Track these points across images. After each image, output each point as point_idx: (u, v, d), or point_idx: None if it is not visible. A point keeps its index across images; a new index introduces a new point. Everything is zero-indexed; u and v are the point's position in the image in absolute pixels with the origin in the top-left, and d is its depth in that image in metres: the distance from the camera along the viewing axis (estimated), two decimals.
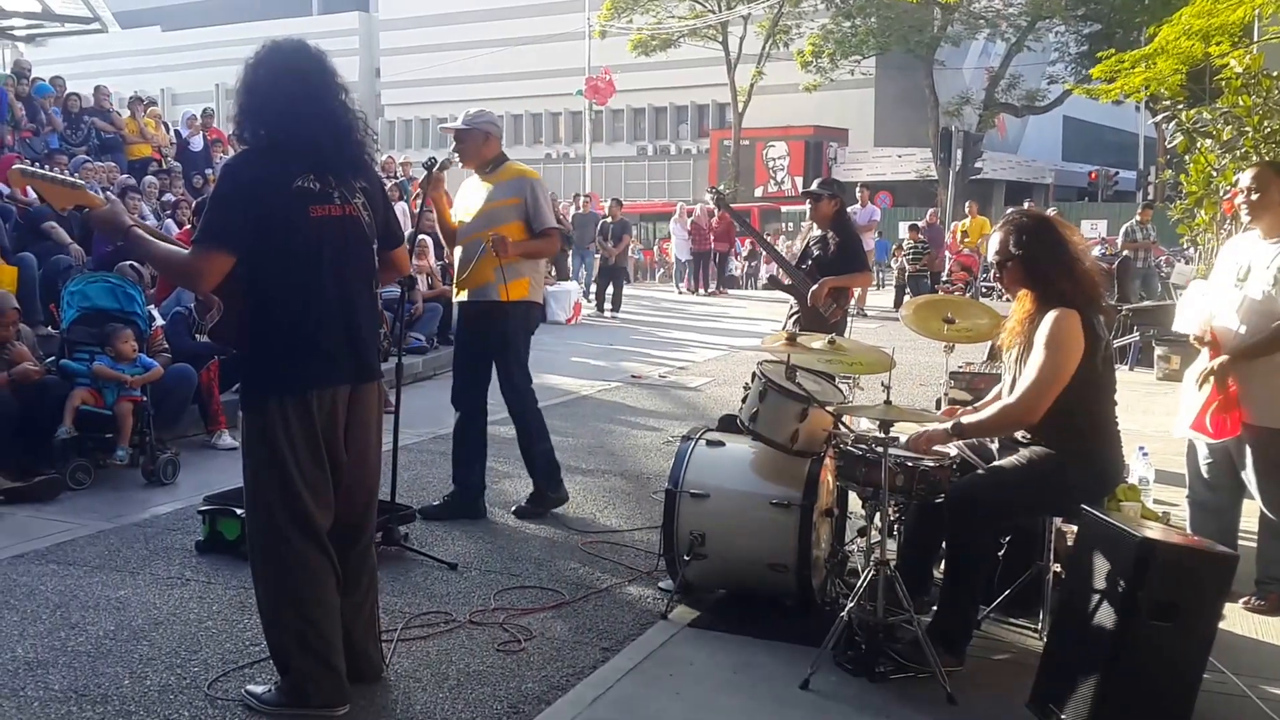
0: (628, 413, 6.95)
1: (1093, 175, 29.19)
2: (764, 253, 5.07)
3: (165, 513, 4.45)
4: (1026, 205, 19.18)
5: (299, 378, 2.47)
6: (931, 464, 2.93)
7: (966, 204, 16.89)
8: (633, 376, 8.32)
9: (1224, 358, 3.33)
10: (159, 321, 6.04)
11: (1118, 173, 29.22)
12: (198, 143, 11.38)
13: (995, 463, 3.01)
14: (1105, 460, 2.96)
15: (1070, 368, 2.78)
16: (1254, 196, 3.35)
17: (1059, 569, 3.11)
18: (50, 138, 9.71)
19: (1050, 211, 13.40)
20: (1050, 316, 2.82)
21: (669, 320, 13.15)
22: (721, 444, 3.38)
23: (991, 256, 3.06)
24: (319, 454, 2.49)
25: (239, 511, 3.72)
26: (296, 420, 2.45)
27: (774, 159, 31.17)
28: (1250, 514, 3.51)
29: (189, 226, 7.19)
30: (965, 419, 2.95)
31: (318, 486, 2.50)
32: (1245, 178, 3.43)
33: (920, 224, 15.47)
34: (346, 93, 2.57)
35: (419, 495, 4.59)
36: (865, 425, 3.22)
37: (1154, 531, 2.69)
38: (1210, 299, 3.53)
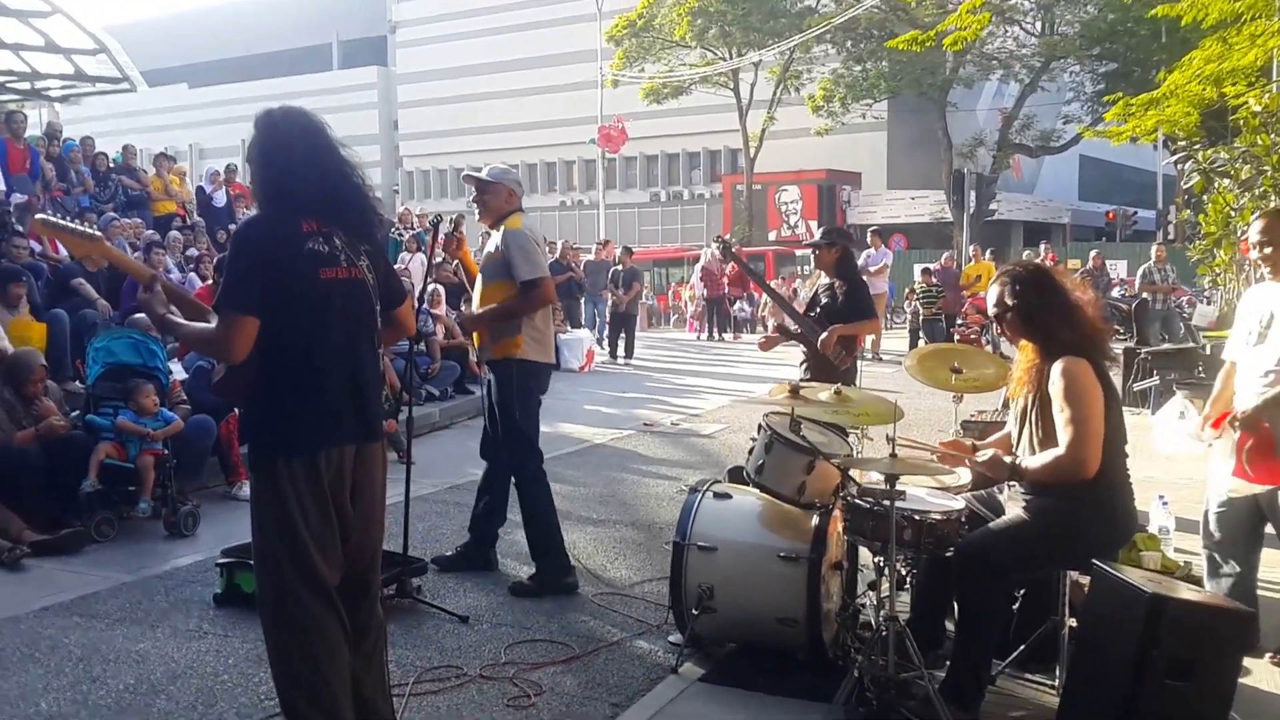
0: (640, 461, 6.99)
1: (1110, 215, 29.21)
2: (767, 301, 5.08)
3: (185, 564, 4.54)
4: (1042, 245, 19.25)
5: (308, 438, 2.50)
6: (939, 517, 2.96)
7: (971, 248, 16.90)
8: (645, 424, 8.37)
9: (1240, 411, 3.28)
10: (177, 375, 6.20)
11: (1136, 212, 29.22)
12: (220, 198, 11.70)
13: (1005, 515, 3.03)
14: (1117, 510, 2.96)
15: (1099, 410, 2.80)
16: (1267, 250, 3.34)
17: (1075, 623, 3.10)
18: (81, 198, 10.02)
19: (1092, 254, 13.26)
20: (1058, 368, 2.84)
21: (683, 366, 13.22)
22: (729, 496, 3.43)
23: (990, 310, 3.11)
24: (327, 513, 2.52)
25: None
26: (305, 480, 2.49)
27: (787, 203, 31.46)
28: (1273, 565, 3.48)
29: (211, 281, 7.38)
30: (1022, 462, 2.94)
31: (326, 544, 2.53)
32: (1254, 231, 3.40)
33: (934, 266, 15.51)
34: (350, 156, 2.63)
35: (433, 547, 4.64)
36: (875, 476, 3.25)
37: (1166, 587, 2.65)
38: (1231, 351, 3.51)
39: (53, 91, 11.91)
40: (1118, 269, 19.69)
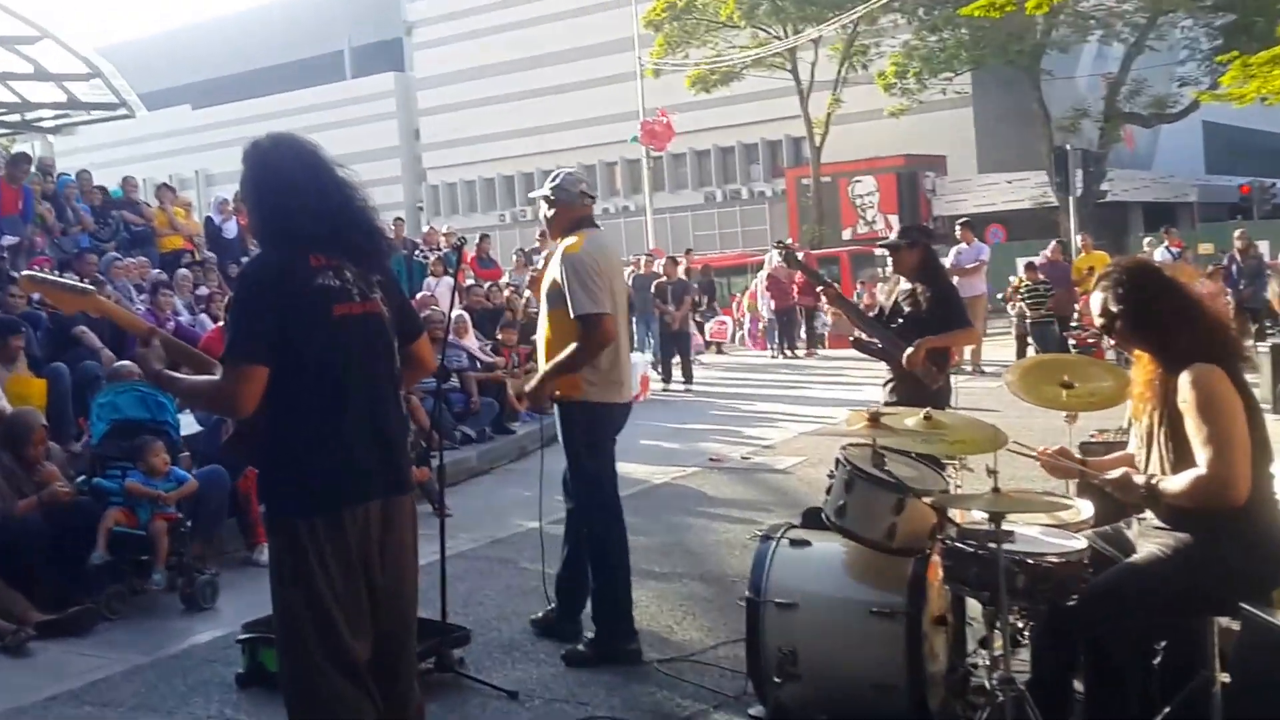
0: (707, 503, 6.96)
1: (1245, 189, 28.31)
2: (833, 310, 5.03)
3: (204, 641, 4.66)
4: (1164, 230, 18.63)
5: (330, 494, 2.51)
6: (1057, 559, 2.88)
7: (1080, 237, 16.34)
8: (711, 459, 8.34)
9: None
10: (191, 427, 6.37)
11: (1275, 183, 28.25)
12: (231, 229, 12.06)
13: (1136, 554, 2.94)
14: (1267, 541, 2.85)
15: (1240, 421, 2.74)
16: None
17: (1228, 678, 2.98)
18: (80, 237, 10.43)
19: (1237, 235, 12.84)
20: (1187, 379, 2.77)
21: (750, 390, 13.16)
22: (807, 543, 3.39)
23: (1096, 322, 3.05)
24: (355, 579, 2.54)
25: None
26: (329, 542, 2.50)
27: (861, 196, 31.21)
28: None
29: (223, 322, 7.59)
30: (1158, 482, 2.86)
31: (355, 615, 2.54)
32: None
33: (1038, 260, 15.10)
34: (349, 176, 2.64)
35: (475, 611, 4.68)
36: (979, 515, 3.17)
37: None
38: None
39: (45, 122, 12.49)
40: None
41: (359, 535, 2.54)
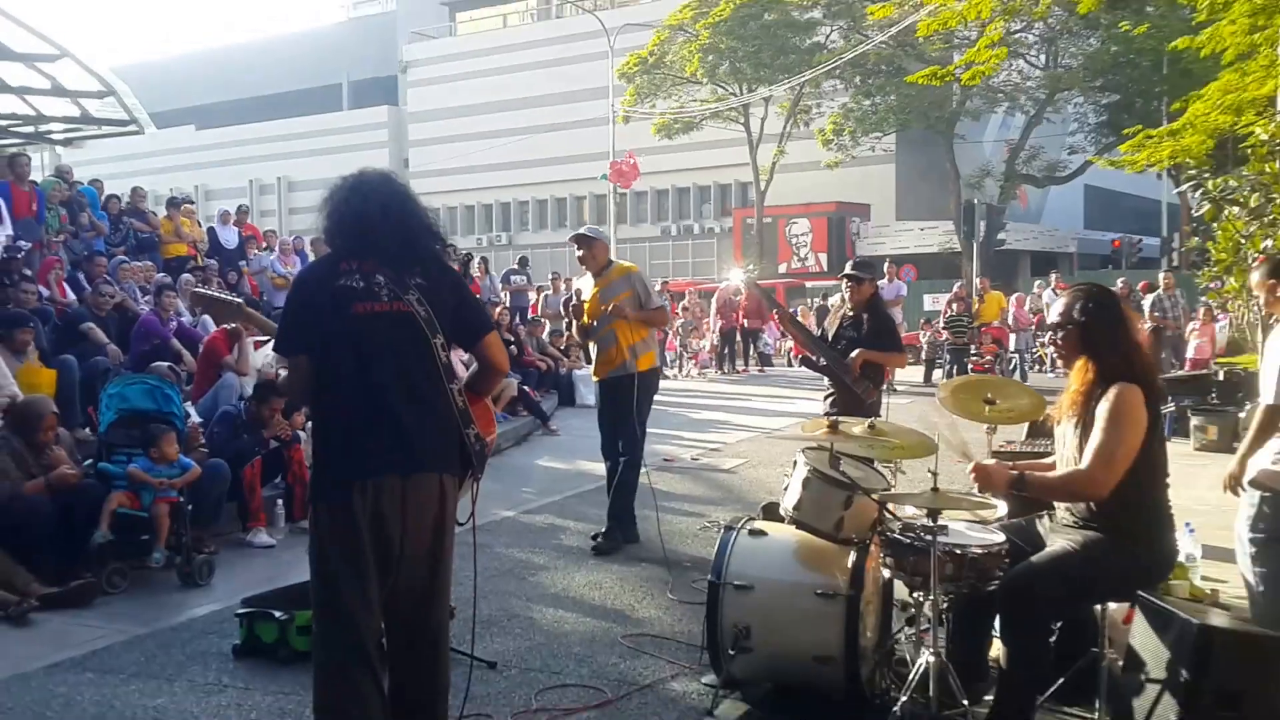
0: (662, 498, 6.90)
1: (1115, 243, 29.35)
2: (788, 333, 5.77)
3: (201, 615, 4.50)
4: (1053, 275, 19.25)
5: (335, 479, 2.49)
6: (981, 551, 2.93)
7: (979, 281, 16.98)
8: (665, 460, 8.32)
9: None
10: (194, 419, 6.19)
11: (1141, 240, 29.22)
12: (232, 239, 11.80)
13: (1048, 549, 2.99)
14: (1162, 543, 2.95)
15: (1136, 442, 2.81)
16: (1278, 292, 3.54)
17: (1114, 655, 3.05)
18: (95, 242, 10.07)
19: (1120, 282, 13.55)
20: (1114, 390, 2.85)
21: (699, 401, 13.19)
22: (764, 533, 3.40)
23: (1053, 318, 3.12)
24: (355, 551, 2.46)
25: (277, 614, 3.78)
26: (330, 524, 2.49)
27: (797, 235, 31.60)
28: None
29: (225, 326, 7.34)
30: (1029, 474, 2.95)
31: (361, 595, 2.49)
32: (1255, 277, 3.67)
33: (957, 292, 15.56)
34: (399, 191, 2.70)
35: (455, 590, 4.55)
36: (911, 510, 3.21)
37: (1214, 617, 2.67)
38: (1269, 394, 3.40)
39: (55, 134, 12.02)
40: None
41: (371, 510, 2.47)
